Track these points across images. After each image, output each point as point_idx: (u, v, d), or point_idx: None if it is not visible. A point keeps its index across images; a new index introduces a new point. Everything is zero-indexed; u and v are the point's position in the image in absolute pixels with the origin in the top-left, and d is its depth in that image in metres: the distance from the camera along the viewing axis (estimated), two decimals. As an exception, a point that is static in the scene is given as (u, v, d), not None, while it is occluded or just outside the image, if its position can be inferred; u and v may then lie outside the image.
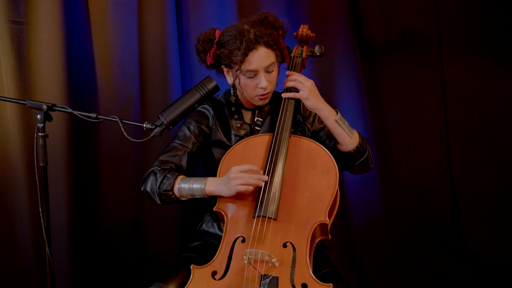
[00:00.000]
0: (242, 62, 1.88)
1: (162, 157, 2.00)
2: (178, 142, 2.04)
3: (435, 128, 3.13)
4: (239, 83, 1.96)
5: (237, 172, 1.76)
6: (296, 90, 1.96)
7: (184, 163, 2.00)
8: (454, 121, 3.12)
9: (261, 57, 1.89)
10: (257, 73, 1.91)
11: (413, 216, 3.15)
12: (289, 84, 1.93)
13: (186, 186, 1.87)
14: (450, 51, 3.07)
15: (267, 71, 1.92)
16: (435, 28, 3.07)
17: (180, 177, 1.90)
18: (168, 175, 1.89)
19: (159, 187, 1.88)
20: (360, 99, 3.04)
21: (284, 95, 1.95)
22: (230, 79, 2.01)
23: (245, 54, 1.87)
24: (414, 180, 3.14)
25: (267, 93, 1.96)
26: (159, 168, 1.93)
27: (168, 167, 1.95)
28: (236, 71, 1.91)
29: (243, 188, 1.76)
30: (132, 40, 2.63)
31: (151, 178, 1.92)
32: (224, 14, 2.74)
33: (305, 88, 1.89)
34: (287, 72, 1.98)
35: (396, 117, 3.13)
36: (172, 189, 1.88)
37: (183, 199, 1.91)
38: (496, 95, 3.08)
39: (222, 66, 2.00)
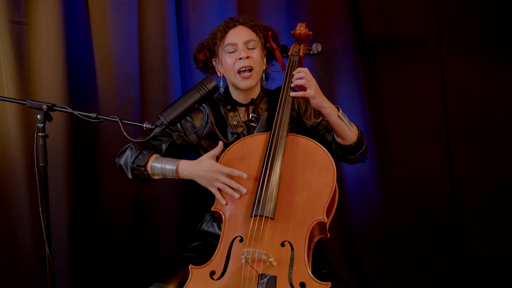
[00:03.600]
0: (222, 38, 2.01)
1: (144, 138, 2.01)
2: (165, 130, 2.04)
3: (435, 128, 3.13)
4: (221, 67, 2.05)
5: (221, 175, 1.81)
6: (295, 89, 1.97)
7: (163, 149, 2.02)
8: (454, 121, 3.11)
9: (239, 32, 2.02)
10: (236, 47, 1.99)
11: (413, 216, 3.15)
12: (298, 82, 1.90)
13: (159, 166, 1.90)
14: (450, 50, 3.07)
15: (247, 47, 2.00)
16: (435, 28, 3.07)
17: (155, 155, 1.94)
18: (144, 151, 1.92)
19: (133, 162, 1.91)
20: (360, 99, 3.04)
21: (292, 94, 1.94)
22: (220, 72, 2.08)
23: (225, 32, 2.02)
24: (414, 180, 3.14)
25: (249, 68, 1.98)
26: (136, 144, 1.96)
27: (145, 145, 1.97)
28: (218, 48, 2.02)
29: (217, 195, 1.83)
30: (132, 40, 2.64)
31: (127, 152, 1.95)
32: (224, 14, 2.73)
33: (312, 87, 1.88)
34: (295, 71, 1.94)
35: (396, 117, 3.12)
36: (145, 166, 1.90)
37: (155, 177, 1.94)
38: (496, 94, 3.08)
39: (212, 60, 2.08)
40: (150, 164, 1.91)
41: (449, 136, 3.13)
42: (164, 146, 2.02)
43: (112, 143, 2.62)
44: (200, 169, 1.85)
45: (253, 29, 2.03)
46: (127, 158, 1.94)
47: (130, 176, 1.95)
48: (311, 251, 1.80)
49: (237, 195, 1.81)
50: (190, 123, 2.07)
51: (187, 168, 1.88)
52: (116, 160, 2.00)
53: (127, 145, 1.98)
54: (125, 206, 2.70)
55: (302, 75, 1.89)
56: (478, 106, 3.10)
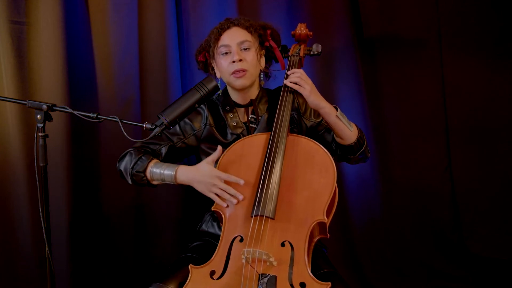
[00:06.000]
0: (216, 40, 2.01)
1: (144, 142, 2.02)
2: (164, 133, 2.05)
3: (435, 127, 3.13)
4: (217, 69, 2.05)
5: (220, 182, 1.81)
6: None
7: (162, 152, 2.03)
8: (454, 121, 3.11)
9: (233, 34, 2.01)
10: (230, 49, 1.99)
11: (413, 216, 3.14)
12: (293, 79, 1.92)
13: (158, 171, 1.90)
14: (450, 50, 3.07)
15: (241, 47, 2.00)
16: (435, 28, 3.07)
17: (154, 161, 1.94)
18: (143, 157, 1.93)
19: (132, 168, 1.92)
20: (360, 99, 3.04)
21: (289, 84, 1.93)
22: (217, 72, 2.08)
23: (219, 34, 2.02)
24: (414, 180, 3.14)
25: (242, 69, 1.98)
26: (135, 150, 1.98)
27: (144, 150, 1.99)
28: (213, 50, 2.02)
29: (216, 199, 1.83)
30: (132, 40, 2.64)
31: (127, 157, 1.96)
32: (224, 14, 2.73)
33: (307, 86, 1.89)
34: (288, 71, 1.96)
35: (396, 116, 3.12)
36: (144, 171, 1.91)
37: (154, 182, 1.95)
38: (496, 94, 3.07)
39: (211, 61, 2.08)
40: (149, 169, 1.92)
41: (449, 136, 3.13)
42: (163, 150, 2.03)
43: (112, 143, 2.63)
44: (199, 174, 1.86)
45: (248, 30, 2.02)
46: (126, 164, 1.95)
47: (130, 182, 1.97)
48: (311, 251, 1.80)
49: (234, 201, 1.81)
50: (189, 126, 2.07)
51: (185, 173, 1.88)
52: (117, 165, 2.00)
53: (126, 150, 2.00)
54: (125, 206, 2.70)
55: (297, 75, 1.91)
56: (478, 106, 3.10)
